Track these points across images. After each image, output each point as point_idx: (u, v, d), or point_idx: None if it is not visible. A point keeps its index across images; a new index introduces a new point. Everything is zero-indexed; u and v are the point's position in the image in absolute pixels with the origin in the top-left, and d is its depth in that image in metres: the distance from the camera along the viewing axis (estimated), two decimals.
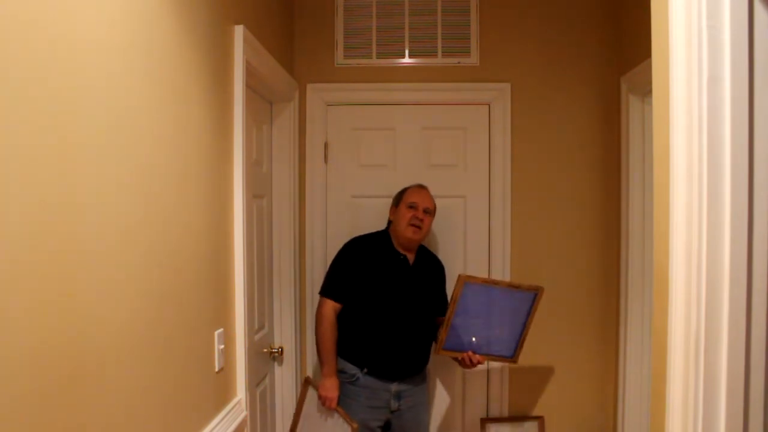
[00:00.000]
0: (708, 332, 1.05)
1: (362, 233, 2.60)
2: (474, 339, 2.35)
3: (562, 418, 2.84)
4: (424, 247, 2.62)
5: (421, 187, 2.56)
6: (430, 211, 2.50)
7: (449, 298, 2.36)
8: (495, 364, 2.83)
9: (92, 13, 1.06)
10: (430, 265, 2.59)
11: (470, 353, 2.33)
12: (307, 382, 2.51)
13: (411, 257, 2.51)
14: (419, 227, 2.43)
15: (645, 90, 2.56)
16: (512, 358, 2.43)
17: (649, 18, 1.23)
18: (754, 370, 1.05)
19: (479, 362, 2.35)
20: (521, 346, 2.42)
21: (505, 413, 2.85)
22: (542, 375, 2.86)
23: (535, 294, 2.36)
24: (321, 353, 2.42)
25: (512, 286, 2.37)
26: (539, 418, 2.81)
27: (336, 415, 2.37)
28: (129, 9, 1.20)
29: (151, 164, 1.29)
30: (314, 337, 2.52)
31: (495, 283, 2.40)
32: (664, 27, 1.15)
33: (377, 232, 2.58)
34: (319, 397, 2.40)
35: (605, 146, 2.84)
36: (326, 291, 2.46)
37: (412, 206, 2.45)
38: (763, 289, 1.04)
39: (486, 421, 2.80)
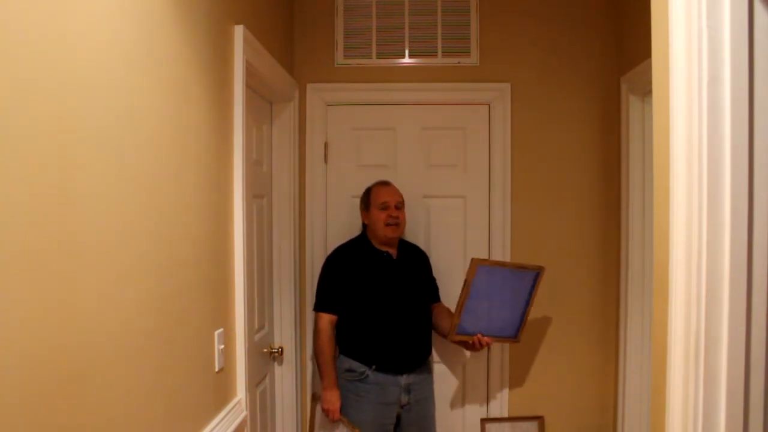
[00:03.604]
0: (708, 332, 1.05)
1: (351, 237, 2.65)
2: (483, 323, 2.40)
3: (562, 418, 2.84)
4: (402, 240, 2.66)
5: (385, 184, 2.59)
6: (402, 205, 2.54)
7: (459, 283, 2.40)
8: (495, 363, 2.84)
9: (93, 14, 1.06)
10: (413, 256, 2.64)
11: (479, 336, 2.39)
12: (314, 399, 2.54)
13: (393, 252, 2.56)
14: (397, 224, 2.48)
15: (645, 90, 2.56)
16: (516, 337, 2.52)
17: (649, 18, 1.24)
18: (754, 370, 1.05)
19: (488, 344, 2.43)
20: (524, 326, 2.50)
21: (505, 413, 2.85)
22: (542, 375, 2.86)
23: (537, 273, 2.44)
24: (320, 367, 2.46)
25: (518, 267, 2.45)
26: (539, 418, 2.81)
27: (341, 425, 2.40)
28: (130, 10, 1.20)
29: (150, 164, 1.29)
30: (312, 348, 2.58)
31: (503, 264, 2.49)
32: (664, 27, 1.15)
33: (356, 238, 2.62)
34: (323, 410, 2.43)
35: (605, 146, 2.84)
36: (320, 306, 2.50)
37: (384, 207, 2.49)
38: (763, 289, 1.04)
39: (486, 421, 2.80)
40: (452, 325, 2.38)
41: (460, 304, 2.34)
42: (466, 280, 2.32)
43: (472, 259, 2.33)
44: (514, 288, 2.44)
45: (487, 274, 2.35)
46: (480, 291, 2.35)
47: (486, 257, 2.84)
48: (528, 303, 2.47)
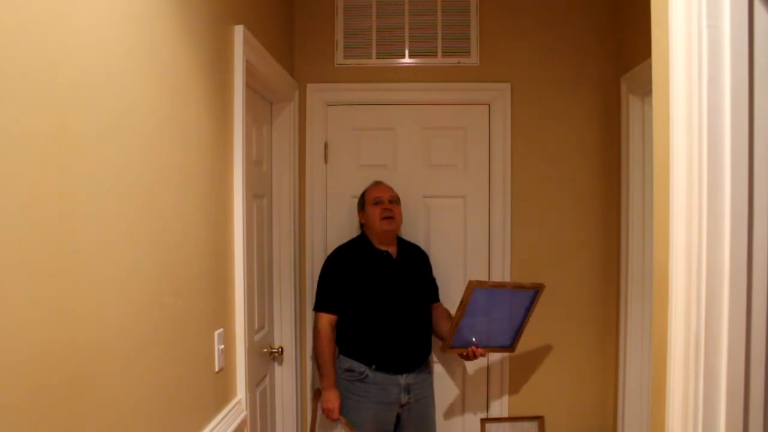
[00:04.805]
0: (708, 332, 1.05)
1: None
2: (478, 335, 2.42)
3: (562, 418, 2.84)
4: (402, 239, 2.67)
5: (378, 183, 2.63)
6: (396, 200, 2.57)
7: (457, 300, 2.40)
8: (495, 363, 2.84)
9: (94, 15, 1.06)
10: (413, 255, 2.65)
11: (473, 348, 2.41)
12: (317, 394, 2.55)
13: (393, 251, 2.57)
14: (392, 217, 2.50)
15: (645, 90, 2.56)
16: (511, 347, 2.52)
17: (649, 18, 1.24)
18: (754, 370, 1.05)
19: (482, 355, 2.45)
20: (519, 337, 2.51)
21: (505, 413, 2.85)
22: (542, 375, 2.86)
23: (536, 292, 2.43)
24: (319, 367, 2.47)
25: (517, 286, 2.44)
26: (539, 418, 2.81)
27: (340, 425, 2.41)
28: (130, 11, 1.20)
29: (150, 164, 1.29)
30: (312, 349, 2.60)
31: (502, 285, 2.48)
32: (664, 27, 1.15)
33: (355, 238, 2.64)
34: (322, 410, 2.44)
35: (605, 146, 2.84)
36: (320, 306, 2.51)
37: (377, 202, 2.52)
38: (763, 289, 1.04)
39: (486, 421, 2.80)
40: (447, 339, 2.41)
41: (455, 323, 2.35)
42: (462, 301, 2.32)
43: (469, 282, 2.31)
44: (512, 305, 2.43)
45: (485, 295, 2.35)
46: (477, 309, 2.35)
47: (487, 264, 2.83)
48: (525, 318, 2.47)
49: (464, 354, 2.44)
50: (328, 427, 2.46)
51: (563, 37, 2.82)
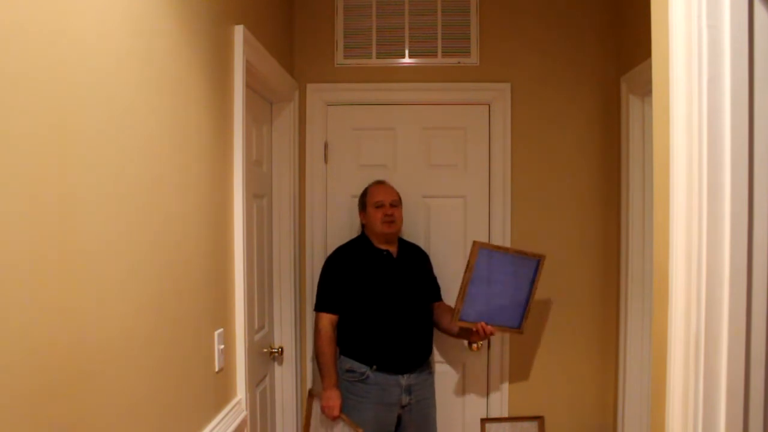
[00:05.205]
0: (708, 332, 1.05)
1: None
2: (486, 309, 2.41)
3: (562, 418, 2.84)
4: (403, 240, 2.68)
5: (381, 183, 2.62)
6: (397, 203, 2.57)
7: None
8: (495, 363, 2.84)
9: (94, 15, 1.06)
10: (413, 254, 2.65)
11: (483, 324, 2.38)
12: (310, 395, 2.54)
13: (393, 250, 2.57)
14: (393, 221, 2.51)
15: (645, 90, 2.56)
16: (519, 328, 2.51)
17: (649, 18, 1.24)
18: (754, 370, 1.05)
19: (492, 333, 2.41)
20: (526, 317, 2.50)
21: (505, 413, 2.85)
22: (542, 375, 2.86)
23: (538, 261, 2.44)
24: (320, 367, 2.47)
25: (519, 252, 2.46)
26: (539, 418, 2.81)
27: (342, 424, 2.39)
28: (130, 11, 1.20)
29: (151, 164, 1.29)
30: (313, 349, 2.59)
31: (505, 249, 2.50)
32: (664, 27, 1.15)
33: (355, 238, 2.64)
34: (322, 408, 2.44)
35: (605, 146, 2.84)
36: (320, 306, 2.51)
37: (379, 205, 2.52)
38: (763, 289, 1.04)
39: (486, 421, 2.80)
40: (455, 310, 2.38)
41: (463, 288, 2.35)
42: (468, 263, 2.33)
43: (474, 242, 2.34)
44: (516, 275, 2.44)
45: (489, 257, 2.37)
46: (482, 275, 2.36)
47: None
48: (530, 292, 2.46)
49: (473, 330, 2.39)
50: (329, 426, 2.45)
51: (563, 37, 2.82)
